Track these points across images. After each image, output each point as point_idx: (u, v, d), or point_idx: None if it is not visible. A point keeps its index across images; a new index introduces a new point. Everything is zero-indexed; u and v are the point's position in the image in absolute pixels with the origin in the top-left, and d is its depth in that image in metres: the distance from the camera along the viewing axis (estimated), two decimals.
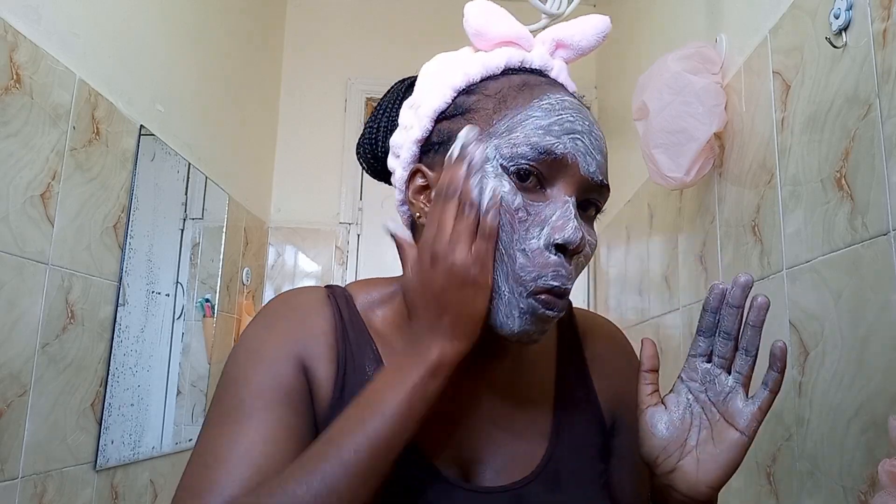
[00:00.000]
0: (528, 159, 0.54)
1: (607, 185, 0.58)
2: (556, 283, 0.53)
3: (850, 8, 0.88)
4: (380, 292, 0.66)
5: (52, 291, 1.27)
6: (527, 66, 0.61)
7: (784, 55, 1.08)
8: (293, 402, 0.56)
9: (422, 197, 0.60)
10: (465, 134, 0.54)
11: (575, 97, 0.59)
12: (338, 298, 0.64)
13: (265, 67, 2.65)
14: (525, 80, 0.59)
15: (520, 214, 0.54)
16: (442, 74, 0.61)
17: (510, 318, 0.54)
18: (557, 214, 0.54)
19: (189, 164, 1.88)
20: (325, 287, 0.66)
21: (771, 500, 1.08)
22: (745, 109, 1.23)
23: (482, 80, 0.60)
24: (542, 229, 0.54)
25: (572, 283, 0.55)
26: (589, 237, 0.56)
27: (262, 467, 0.51)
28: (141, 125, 1.60)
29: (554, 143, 0.54)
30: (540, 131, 0.54)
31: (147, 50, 1.66)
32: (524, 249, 0.54)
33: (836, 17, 0.91)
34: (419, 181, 0.60)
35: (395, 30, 2.85)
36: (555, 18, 1.52)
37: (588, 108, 0.60)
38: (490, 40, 0.61)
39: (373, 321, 0.64)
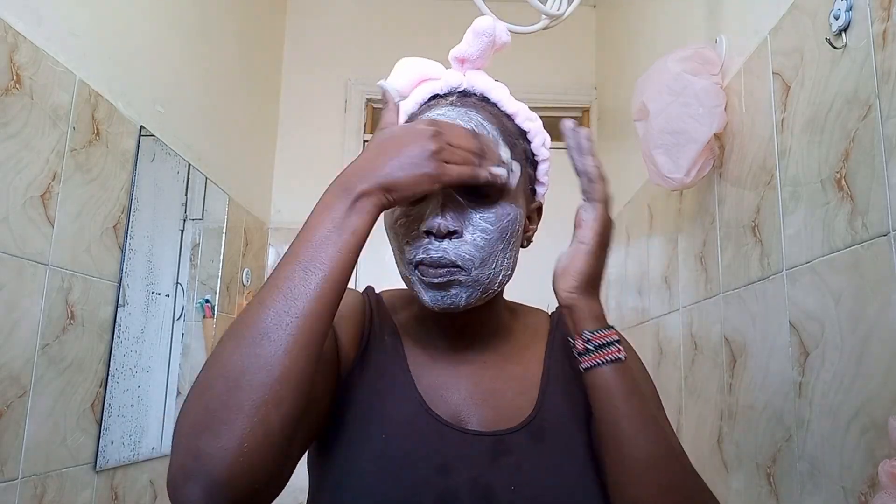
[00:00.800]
0: None
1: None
2: (423, 256, 0.64)
3: (849, 9, 0.88)
4: (401, 293, 0.78)
5: (52, 292, 1.27)
6: (435, 94, 0.73)
7: (784, 56, 1.09)
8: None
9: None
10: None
11: (468, 104, 0.70)
12: (369, 294, 0.78)
13: (265, 68, 2.65)
14: (420, 112, 0.72)
15: (399, 222, 0.67)
16: None
17: (421, 293, 0.66)
18: (429, 210, 0.65)
19: (189, 164, 1.88)
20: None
21: (771, 500, 1.08)
22: (745, 110, 1.23)
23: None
24: (422, 223, 0.65)
25: (448, 254, 0.64)
26: (477, 216, 0.65)
27: None
28: (141, 126, 1.60)
29: None
30: None
31: (147, 51, 1.66)
32: (408, 241, 0.66)
33: (836, 18, 0.91)
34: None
35: (395, 31, 2.85)
36: (555, 19, 1.52)
37: (489, 105, 0.71)
38: (408, 89, 0.74)
39: (396, 316, 0.76)
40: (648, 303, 1.86)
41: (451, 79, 0.72)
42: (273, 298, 0.53)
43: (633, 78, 1.43)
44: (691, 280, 1.50)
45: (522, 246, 0.72)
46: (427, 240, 0.64)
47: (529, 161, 0.73)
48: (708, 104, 1.24)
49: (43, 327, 1.25)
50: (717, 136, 1.30)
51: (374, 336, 0.72)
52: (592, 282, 0.66)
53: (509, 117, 0.72)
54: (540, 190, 0.75)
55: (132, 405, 1.59)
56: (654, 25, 1.95)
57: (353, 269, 0.57)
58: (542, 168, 0.74)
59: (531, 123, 0.73)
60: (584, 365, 0.64)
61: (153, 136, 1.66)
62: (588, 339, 0.64)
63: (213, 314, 2.06)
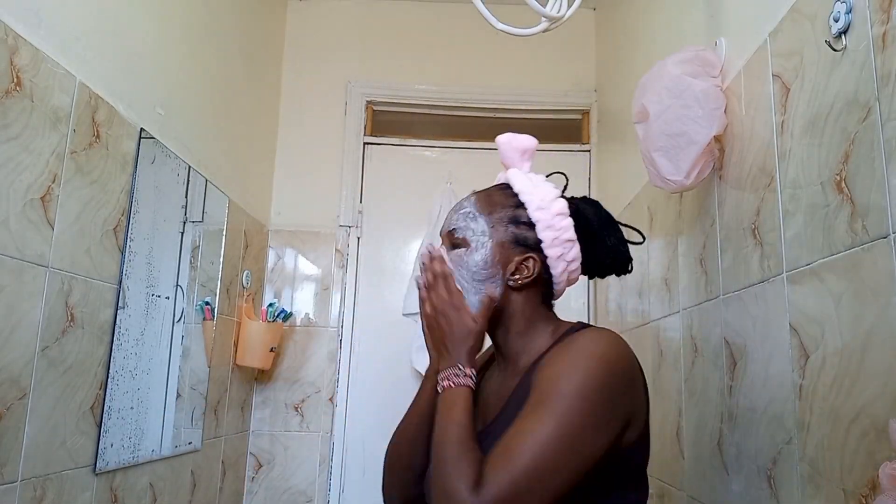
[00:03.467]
0: None
1: (448, 232, 1.02)
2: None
3: (849, 11, 0.88)
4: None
5: (52, 294, 1.27)
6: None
7: (784, 58, 1.09)
8: None
9: None
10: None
11: (485, 191, 1.04)
12: None
13: (265, 70, 2.65)
14: None
15: None
16: None
17: None
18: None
19: (189, 167, 1.88)
20: None
21: (772, 503, 1.08)
22: (745, 112, 1.23)
23: None
24: None
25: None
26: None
27: None
28: (141, 128, 1.60)
29: None
30: None
31: (148, 53, 1.66)
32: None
33: (836, 21, 0.91)
34: None
35: (395, 33, 2.85)
36: (554, 21, 1.52)
37: (474, 194, 1.04)
38: None
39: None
40: (648, 305, 1.86)
41: (501, 175, 1.06)
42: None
43: (633, 80, 1.44)
44: (691, 282, 1.50)
45: (513, 288, 0.98)
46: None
47: (523, 224, 0.98)
48: (708, 106, 1.24)
49: (43, 329, 1.24)
50: (717, 139, 1.30)
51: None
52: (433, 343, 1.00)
53: (516, 195, 1.00)
54: (545, 240, 0.97)
55: (132, 407, 1.59)
56: (653, 28, 1.95)
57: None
58: (539, 227, 0.97)
59: (527, 196, 0.99)
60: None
61: (153, 138, 1.66)
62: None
63: (213, 316, 2.06)
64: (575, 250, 0.99)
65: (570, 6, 1.55)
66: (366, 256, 2.70)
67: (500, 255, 0.96)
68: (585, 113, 2.79)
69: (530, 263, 0.97)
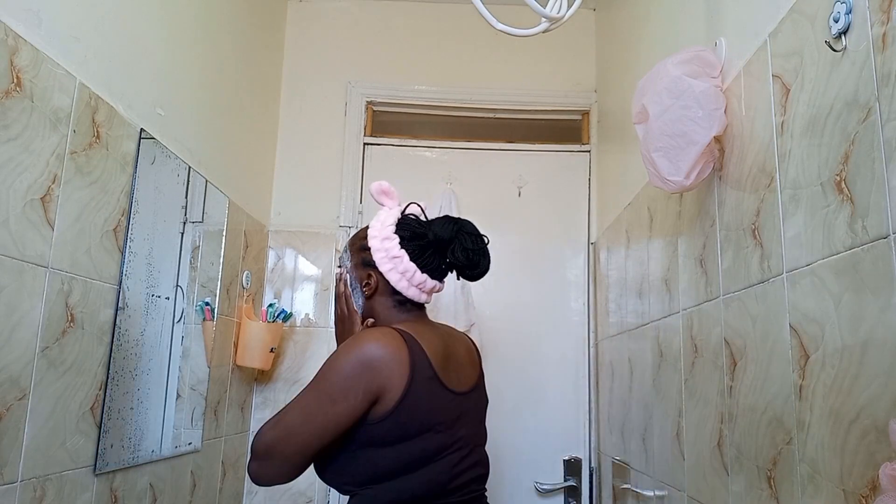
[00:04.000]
0: None
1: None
2: None
3: (849, 12, 0.89)
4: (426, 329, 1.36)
5: (52, 295, 1.27)
6: None
7: (784, 59, 1.09)
8: None
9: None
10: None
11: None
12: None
13: (266, 71, 2.65)
14: None
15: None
16: None
17: None
18: None
19: (189, 167, 1.88)
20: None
21: (771, 503, 1.08)
22: (745, 113, 1.23)
23: None
24: None
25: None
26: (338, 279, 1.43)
27: None
28: (141, 129, 1.61)
29: None
30: None
31: (148, 54, 1.66)
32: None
33: (836, 21, 0.91)
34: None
35: (396, 34, 2.85)
36: (554, 22, 1.52)
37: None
38: None
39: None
40: (648, 305, 1.86)
41: None
42: None
43: (633, 81, 1.44)
44: (691, 283, 1.50)
45: (368, 297, 1.34)
46: None
47: (367, 250, 1.32)
48: (708, 107, 1.24)
49: (43, 330, 1.24)
50: (717, 139, 1.30)
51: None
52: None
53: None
54: (377, 260, 1.31)
55: (132, 408, 1.59)
56: (653, 28, 1.95)
57: None
58: (372, 251, 1.31)
59: (370, 230, 1.33)
60: None
61: (153, 138, 1.66)
62: None
63: (213, 317, 2.06)
64: (404, 263, 1.27)
65: (570, 6, 1.55)
66: None
67: (356, 275, 1.35)
68: (585, 113, 2.80)
69: (372, 279, 1.32)
